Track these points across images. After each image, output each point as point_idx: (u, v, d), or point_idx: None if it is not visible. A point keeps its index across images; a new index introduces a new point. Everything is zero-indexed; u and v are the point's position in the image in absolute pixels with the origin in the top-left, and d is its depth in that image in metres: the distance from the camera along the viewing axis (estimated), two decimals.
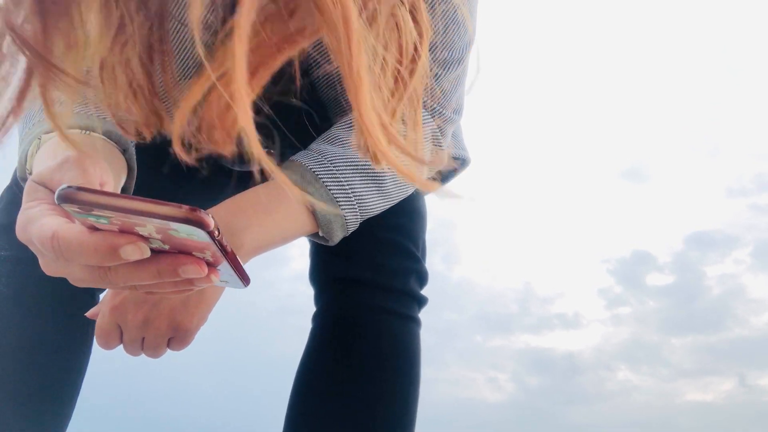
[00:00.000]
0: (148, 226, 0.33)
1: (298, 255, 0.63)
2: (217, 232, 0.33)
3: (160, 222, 0.32)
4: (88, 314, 0.65)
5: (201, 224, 0.32)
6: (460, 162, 0.72)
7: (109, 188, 0.43)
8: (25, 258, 0.61)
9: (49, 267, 0.41)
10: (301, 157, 0.58)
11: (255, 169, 0.37)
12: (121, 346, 0.62)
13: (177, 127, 0.34)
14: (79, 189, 0.32)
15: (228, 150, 0.37)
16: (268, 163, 0.34)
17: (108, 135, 0.52)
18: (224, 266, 0.38)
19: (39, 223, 0.38)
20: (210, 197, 0.82)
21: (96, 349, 0.68)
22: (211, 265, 0.37)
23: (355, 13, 0.35)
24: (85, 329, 0.66)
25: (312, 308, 0.77)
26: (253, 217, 0.54)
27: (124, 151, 0.54)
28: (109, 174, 0.44)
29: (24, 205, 0.41)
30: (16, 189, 0.66)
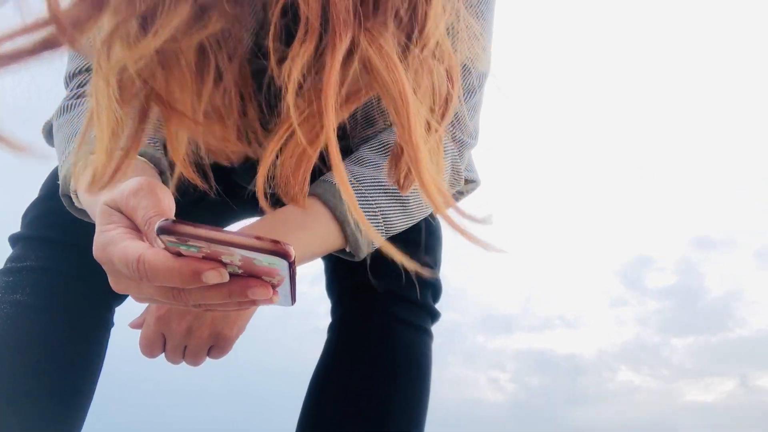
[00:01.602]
0: (235, 255, 0.37)
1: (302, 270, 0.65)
2: (294, 262, 0.37)
3: (248, 253, 0.36)
4: (131, 325, 0.69)
5: (285, 256, 0.36)
6: (471, 184, 0.74)
7: (172, 209, 0.47)
8: (50, 269, 0.64)
9: (120, 285, 0.44)
10: (332, 177, 0.61)
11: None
12: (161, 354, 0.66)
13: (260, 183, 0.40)
14: (177, 222, 0.36)
15: (301, 200, 0.45)
16: (351, 197, 0.42)
17: (148, 157, 0.56)
18: (283, 287, 0.42)
19: (121, 246, 0.41)
20: (220, 218, 0.85)
21: (109, 358, 0.70)
22: (275, 287, 0.41)
23: (409, 90, 0.41)
24: (100, 339, 0.68)
25: (315, 309, 0.79)
26: (288, 234, 0.57)
27: (161, 173, 0.58)
28: (172, 199, 0.46)
29: (100, 227, 0.44)
30: (44, 203, 0.68)
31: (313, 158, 0.42)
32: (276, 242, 0.36)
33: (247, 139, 0.50)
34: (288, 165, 0.42)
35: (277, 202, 0.52)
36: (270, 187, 0.44)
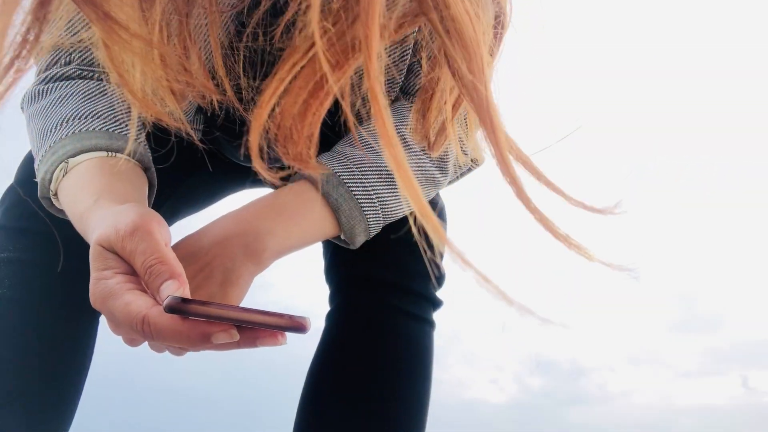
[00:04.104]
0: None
1: (300, 255, 0.62)
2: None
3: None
4: None
5: (301, 330, 0.36)
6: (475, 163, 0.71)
7: (169, 241, 0.45)
8: (28, 260, 0.61)
9: (119, 332, 0.43)
10: (326, 160, 0.58)
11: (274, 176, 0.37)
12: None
13: (255, 139, 0.33)
14: (187, 302, 0.36)
15: (308, 160, 0.37)
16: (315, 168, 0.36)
17: (130, 154, 0.53)
18: None
19: (123, 301, 0.39)
20: (218, 190, 0.83)
21: (99, 351, 0.68)
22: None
23: (475, 15, 0.33)
24: (87, 332, 0.65)
25: (316, 308, 0.77)
26: (277, 221, 0.54)
27: (146, 170, 0.56)
28: (168, 230, 0.45)
29: (96, 273, 0.42)
30: (19, 191, 0.65)
31: (327, 103, 0.34)
32: (291, 318, 0.36)
33: (215, 78, 0.42)
34: (290, 113, 0.34)
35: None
36: (267, 144, 0.37)
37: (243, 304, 0.57)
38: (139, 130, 0.55)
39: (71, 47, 0.57)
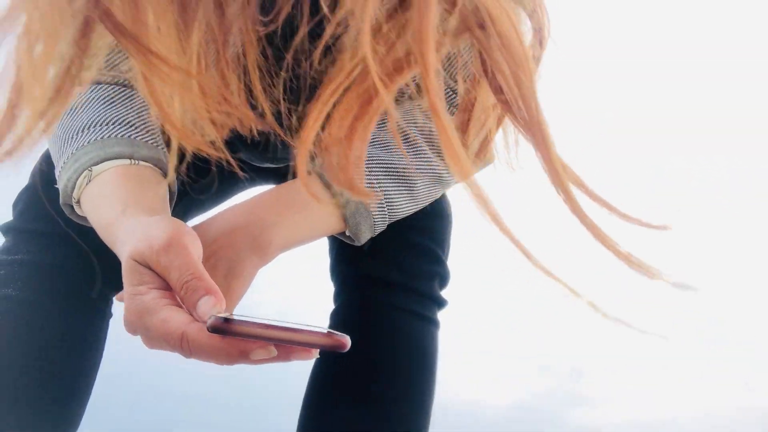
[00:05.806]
0: None
1: (300, 254, 0.63)
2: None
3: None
4: (117, 297, 0.65)
5: (342, 348, 0.37)
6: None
7: (201, 255, 0.44)
8: (41, 262, 0.62)
9: (155, 347, 0.42)
10: None
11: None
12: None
13: (302, 165, 0.33)
14: (230, 321, 0.36)
15: (360, 186, 0.36)
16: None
17: (153, 162, 0.54)
18: None
19: (160, 318, 0.39)
20: (228, 189, 0.83)
21: (108, 351, 0.69)
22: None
23: (519, 29, 0.33)
24: (96, 332, 0.66)
25: (318, 307, 0.77)
26: (284, 214, 0.55)
27: (167, 176, 0.55)
28: (199, 243, 0.45)
29: (131, 289, 0.42)
30: (35, 192, 0.66)
31: (372, 126, 0.33)
32: (331, 336, 0.36)
33: (251, 103, 0.41)
34: (336, 137, 0.33)
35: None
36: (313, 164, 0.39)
37: (265, 310, 0.57)
38: (157, 136, 0.56)
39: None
